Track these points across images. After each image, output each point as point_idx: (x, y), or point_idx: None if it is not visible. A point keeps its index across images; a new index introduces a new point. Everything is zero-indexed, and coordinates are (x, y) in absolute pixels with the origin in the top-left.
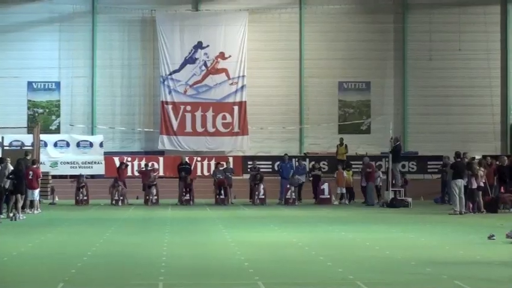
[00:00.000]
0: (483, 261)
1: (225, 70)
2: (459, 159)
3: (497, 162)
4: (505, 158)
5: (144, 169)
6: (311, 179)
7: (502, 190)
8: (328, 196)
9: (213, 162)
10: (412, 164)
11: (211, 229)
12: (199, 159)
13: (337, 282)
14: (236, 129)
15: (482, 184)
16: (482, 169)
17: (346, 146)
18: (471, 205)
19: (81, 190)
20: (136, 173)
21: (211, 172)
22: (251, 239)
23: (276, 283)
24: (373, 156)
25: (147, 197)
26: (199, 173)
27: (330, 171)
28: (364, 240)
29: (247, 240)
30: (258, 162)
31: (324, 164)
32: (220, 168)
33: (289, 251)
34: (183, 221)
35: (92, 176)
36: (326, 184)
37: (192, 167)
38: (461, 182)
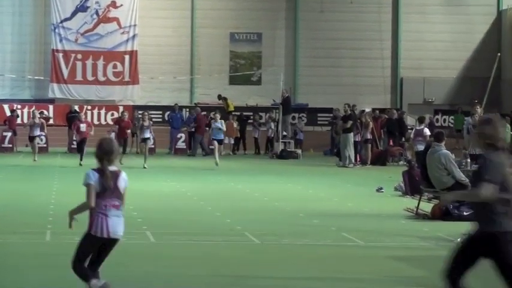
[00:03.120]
0: (371, 213)
1: (116, 19)
2: (352, 112)
3: (386, 116)
4: (394, 111)
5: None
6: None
7: (391, 143)
8: None
9: (103, 111)
10: (303, 116)
11: None
12: (89, 107)
13: (226, 232)
14: (127, 79)
15: (370, 136)
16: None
17: (224, 98)
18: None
19: None
20: (25, 121)
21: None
22: (140, 188)
23: (165, 233)
24: (264, 107)
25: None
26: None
27: None
28: (252, 191)
29: (136, 189)
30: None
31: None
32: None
33: (178, 202)
34: (72, 169)
35: None
36: None
37: (83, 116)
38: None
